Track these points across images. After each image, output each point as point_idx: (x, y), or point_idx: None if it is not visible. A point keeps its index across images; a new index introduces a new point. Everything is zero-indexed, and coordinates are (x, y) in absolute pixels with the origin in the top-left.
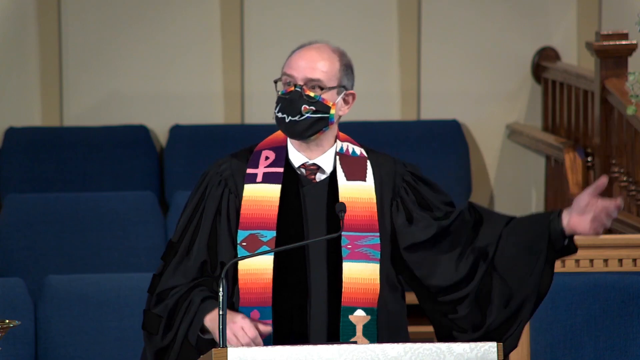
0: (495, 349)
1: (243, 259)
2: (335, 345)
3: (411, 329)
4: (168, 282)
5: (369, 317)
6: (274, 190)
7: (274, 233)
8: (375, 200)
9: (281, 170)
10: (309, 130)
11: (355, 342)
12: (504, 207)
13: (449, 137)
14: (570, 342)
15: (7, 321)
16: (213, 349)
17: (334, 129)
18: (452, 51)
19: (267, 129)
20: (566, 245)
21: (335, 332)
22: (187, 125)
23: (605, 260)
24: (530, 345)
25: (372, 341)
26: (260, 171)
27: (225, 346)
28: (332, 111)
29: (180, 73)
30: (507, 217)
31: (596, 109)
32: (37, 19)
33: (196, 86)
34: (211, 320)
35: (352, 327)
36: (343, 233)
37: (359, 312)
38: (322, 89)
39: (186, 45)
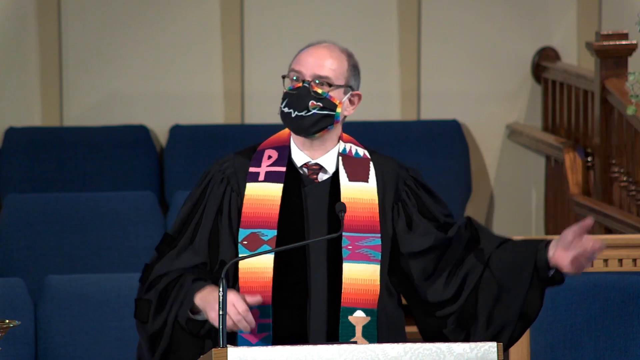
0: (495, 349)
1: (243, 259)
2: (335, 345)
3: (409, 329)
4: (161, 270)
5: (368, 318)
6: (275, 189)
7: (275, 232)
8: (377, 202)
9: (283, 169)
10: (314, 127)
11: (355, 342)
12: (504, 207)
13: (449, 137)
14: (570, 342)
15: (7, 321)
16: (213, 349)
17: (337, 129)
18: (452, 51)
19: (267, 129)
20: (551, 276)
21: (335, 332)
22: (187, 125)
23: (605, 260)
24: (530, 345)
25: (371, 342)
26: (262, 170)
27: (225, 346)
28: (339, 109)
29: (180, 73)
30: (500, 238)
31: (596, 109)
32: (37, 19)
33: (196, 86)
34: (201, 298)
35: (352, 327)
36: (344, 233)
37: (359, 313)
38: (330, 86)
39: (186, 45)
